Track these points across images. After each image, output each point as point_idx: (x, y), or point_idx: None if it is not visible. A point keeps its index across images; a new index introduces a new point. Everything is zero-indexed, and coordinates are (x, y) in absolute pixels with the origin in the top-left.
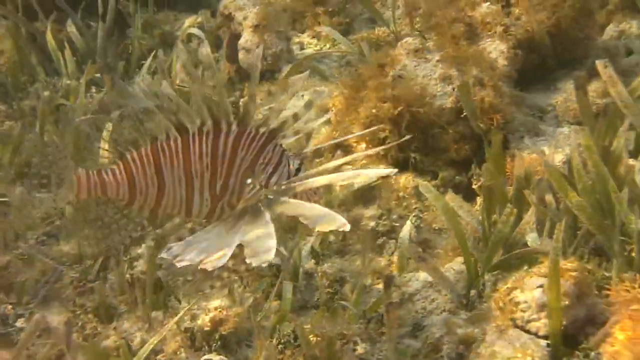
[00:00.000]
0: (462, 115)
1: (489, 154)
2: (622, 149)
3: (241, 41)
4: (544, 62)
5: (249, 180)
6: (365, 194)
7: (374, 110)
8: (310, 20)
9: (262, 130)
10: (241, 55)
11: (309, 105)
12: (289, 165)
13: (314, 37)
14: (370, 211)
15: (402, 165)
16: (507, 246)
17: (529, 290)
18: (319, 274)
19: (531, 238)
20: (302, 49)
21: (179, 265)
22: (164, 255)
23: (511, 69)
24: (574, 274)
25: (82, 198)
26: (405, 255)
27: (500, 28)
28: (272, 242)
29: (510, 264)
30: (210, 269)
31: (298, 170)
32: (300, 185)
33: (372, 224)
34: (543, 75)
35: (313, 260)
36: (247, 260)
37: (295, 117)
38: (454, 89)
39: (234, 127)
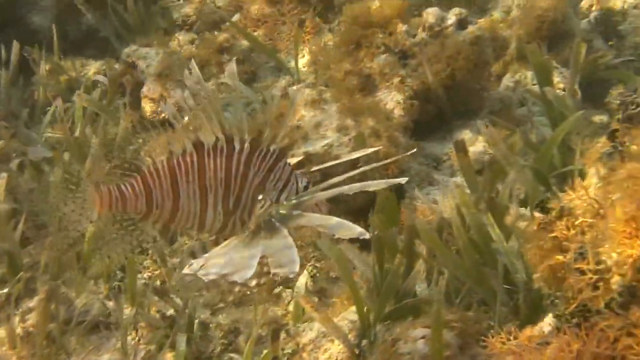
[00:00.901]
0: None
1: (379, 204)
2: (507, 199)
3: (144, 90)
4: (440, 113)
5: (260, 197)
6: None
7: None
8: (215, 68)
9: (272, 148)
10: (144, 103)
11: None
12: (297, 184)
13: (220, 84)
14: None
15: None
16: (398, 296)
17: (411, 341)
18: (214, 325)
19: (420, 288)
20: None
21: (205, 279)
22: (186, 271)
23: (407, 119)
24: (457, 324)
25: (104, 213)
26: (300, 304)
27: (397, 79)
28: (295, 253)
29: (400, 314)
30: (239, 281)
31: (305, 189)
32: (310, 200)
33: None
34: (439, 125)
35: (209, 311)
36: (273, 271)
37: (305, 137)
38: (350, 140)
39: (247, 144)
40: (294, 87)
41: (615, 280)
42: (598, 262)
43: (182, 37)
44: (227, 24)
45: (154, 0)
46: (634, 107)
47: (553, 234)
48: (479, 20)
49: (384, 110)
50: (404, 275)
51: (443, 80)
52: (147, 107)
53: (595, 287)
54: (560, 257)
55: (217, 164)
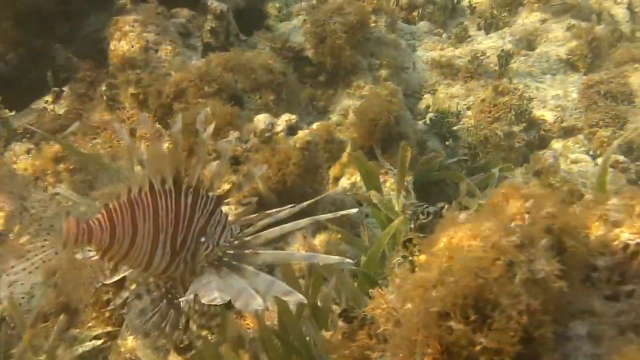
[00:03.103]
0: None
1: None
2: (328, 304)
3: None
4: None
5: (203, 239)
6: (91, 359)
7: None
8: (51, 178)
9: (211, 194)
10: None
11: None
12: (231, 230)
13: (55, 194)
14: None
15: None
16: None
17: None
18: None
19: None
20: (43, 206)
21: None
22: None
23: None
24: None
25: (69, 246)
26: None
27: (228, 186)
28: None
29: None
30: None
31: (237, 234)
32: (255, 240)
33: None
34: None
35: None
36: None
37: (239, 187)
38: None
39: (191, 189)
40: (224, 141)
41: None
42: None
43: (17, 147)
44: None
45: None
46: (424, 216)
47: (355, 343)
48: (316, 124)
49: None
50: None
51: (274, 186)
52: None
53: None
54: None
55: (168, 205)
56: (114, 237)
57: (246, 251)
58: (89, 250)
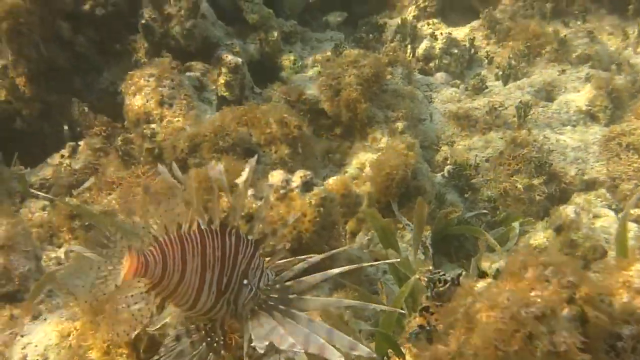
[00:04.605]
0: None
1: None
2: None
3: None
4: None
5: (245, 281)
6: None
7: (110, 335)
8: (66, 235)
9: (250, 237)
10: None
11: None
12: (268, 275)
13: (70, 252)
14: None
15: None
16: None
17: None
18: None
19: None
20: (59, 263)
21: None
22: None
23: None
24: None
25: (128, 279)
26: None
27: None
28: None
29: None
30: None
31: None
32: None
33: None
34: None
35: None
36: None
37: (274, 232)
38: None
39: (234, 230)
40: (267, 184)
41: None
42: None
43: (32, 204)
44: (79, 189)
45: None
46: (441, 284)
47: None
48: (332, 178)
49: None
50: None
51: (289, 243)
52: None
53: None
54: None
55: (215, 244)
56: (165, 270)
57: (290, 296)
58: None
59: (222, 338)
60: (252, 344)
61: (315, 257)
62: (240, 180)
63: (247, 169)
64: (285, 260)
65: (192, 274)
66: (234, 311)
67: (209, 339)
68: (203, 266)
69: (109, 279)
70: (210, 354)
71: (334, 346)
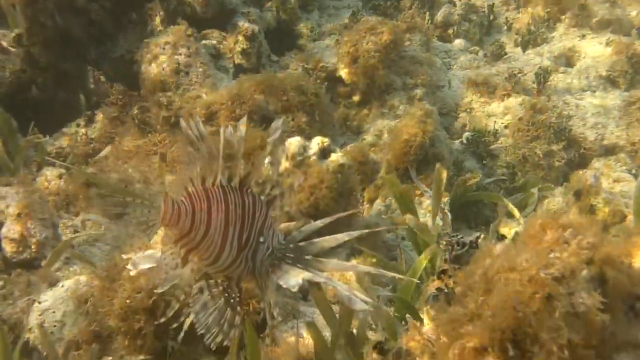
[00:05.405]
0: None
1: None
2: (364, 332)
3: (4, 230)
4: None
5: (262, 239)
6: None
7: (128, 301)
8: (82, 203)
9: (262, 198)
10: (4, 244)
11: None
12: (278, 237)
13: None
14: None
15: (161, 355)
16: None
17: None
18: None
19: None
20: (76, 231)
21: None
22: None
23: None
24: None
25: (163, 225)
26: None
27: None
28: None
29: None
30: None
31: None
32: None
33: None
34: None
35: None
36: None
37: (282, 196)
38: None
39: (250, 190)
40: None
41: None
42: None
43: (49, 172)
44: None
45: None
46: (459, 247)
47: None
48: (349, 145)
49: None
50: None
51: (307, 210)
52: (8, 248)
53: None
54: None
55: (236, 201)
56: (193, 223)
57: (306, 257)
58: None
59: (238, 295)
60: (284, 286)
61: (325, 220)
62: (270, 139)
63: (274, 130)
64: (293, 223)
65: (216, 229)
66: (252, 268)
67: (226, 295)
68: (226, 221)
69: (148, 225)
70: (228, 309)
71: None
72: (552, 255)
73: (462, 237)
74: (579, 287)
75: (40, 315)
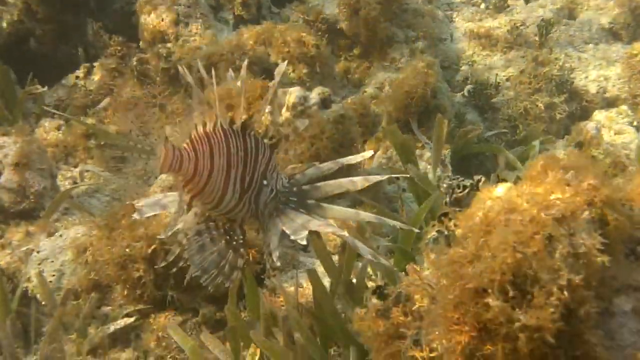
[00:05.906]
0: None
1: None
2: (363, 281)
3: (2, 180)
4: None
5: (265, 182)
6: (123, 337)
7: (127, 250)
8: (81, 154)
9: (265, 141)
10: (2, 194)
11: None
12: (282, 180)
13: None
14: (126, 354)
15: (161, 304)
16: None
17: None
18: None
19: None
20: (74, 183)
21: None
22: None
23: None
24: None
25: (164, 172)
26: None
27: None
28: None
29: None
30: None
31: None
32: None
33: None
34: None
35: None
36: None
37: (287, 137)
38: None
39: (252, 132)
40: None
41: None
42: (432, 350)
43: (47, 123)
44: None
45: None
46: (460, 190)
47: (390, 321)
48: (350, 97)
49: None
50: None
51: (307, 160)
52: (6, 198)
53: None
54: (398, 345)
55: (238, 144)
56: (197, 168)
57: (309, 201)
58: None
59: (241, 237)
60: (292, 237)
61: (329, 164)
62: (271, 84)
63: (276, 74)
64: (297, 166)
65: (218, 172)
66: (254, 211)
67: (227, 237)
68: (228, 164)
69: (147, 172)
70: (230, 251)
71: None
72: (553, 196)
73: (462, 180)
74: (579, 228)
75: (39, 264)
